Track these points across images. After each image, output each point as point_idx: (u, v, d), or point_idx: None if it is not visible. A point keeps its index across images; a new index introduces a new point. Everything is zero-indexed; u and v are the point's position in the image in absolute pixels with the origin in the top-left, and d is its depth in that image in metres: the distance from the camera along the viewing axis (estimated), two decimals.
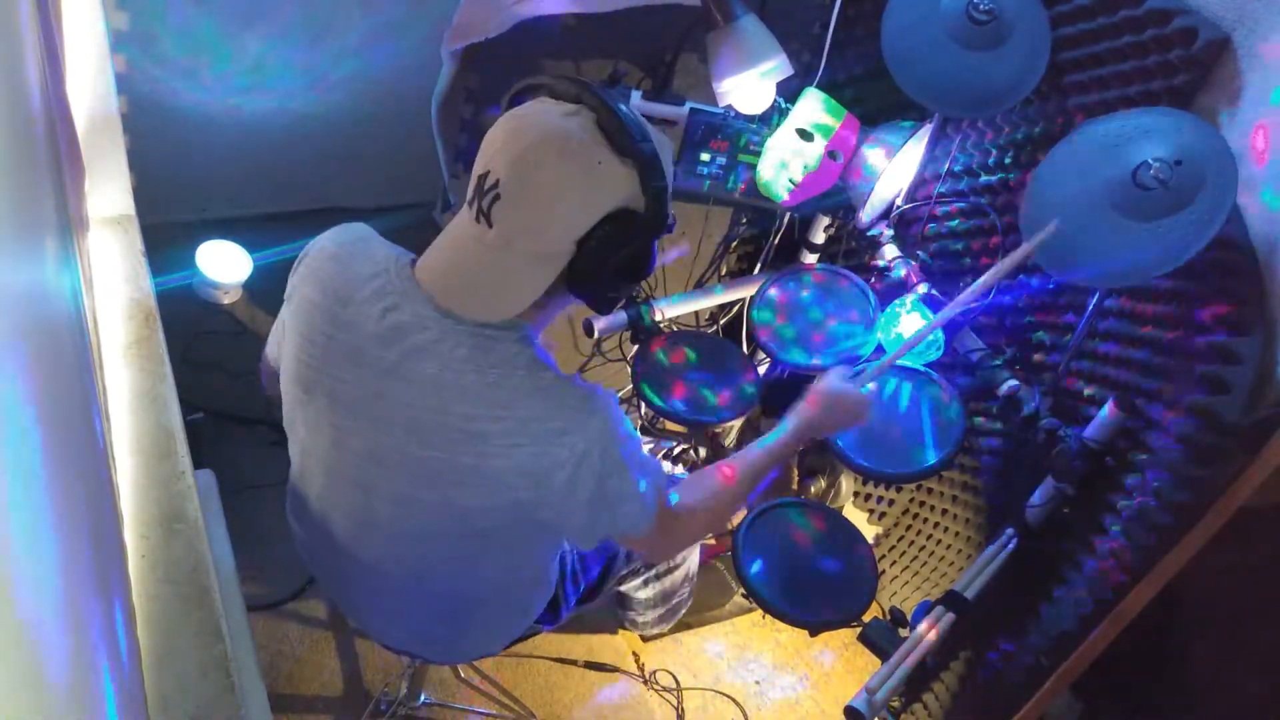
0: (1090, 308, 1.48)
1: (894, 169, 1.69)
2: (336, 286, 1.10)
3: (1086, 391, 1.53)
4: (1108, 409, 1.39)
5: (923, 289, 1.68)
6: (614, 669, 2.01)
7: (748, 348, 2.07)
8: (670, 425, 2.22)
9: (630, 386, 2.08)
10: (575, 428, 1.05)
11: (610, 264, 1.05)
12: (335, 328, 1.09)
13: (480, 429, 1.04)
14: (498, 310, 1.06)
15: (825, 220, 2.03)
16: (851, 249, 2.07)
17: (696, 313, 2.25)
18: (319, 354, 1.11)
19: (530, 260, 1.04)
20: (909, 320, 1.66)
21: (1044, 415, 1.49)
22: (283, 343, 1.18)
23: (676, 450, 2.34)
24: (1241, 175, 1.20)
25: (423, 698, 1.80)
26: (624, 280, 1.08)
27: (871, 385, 1.44)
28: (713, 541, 2.32)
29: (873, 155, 1.69)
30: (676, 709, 1.99)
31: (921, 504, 2.05)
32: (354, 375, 1.09)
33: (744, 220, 2.26)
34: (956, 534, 1.93)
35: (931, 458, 1.53)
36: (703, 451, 2.38)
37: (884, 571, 2.13)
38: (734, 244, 2.30)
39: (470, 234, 1.05)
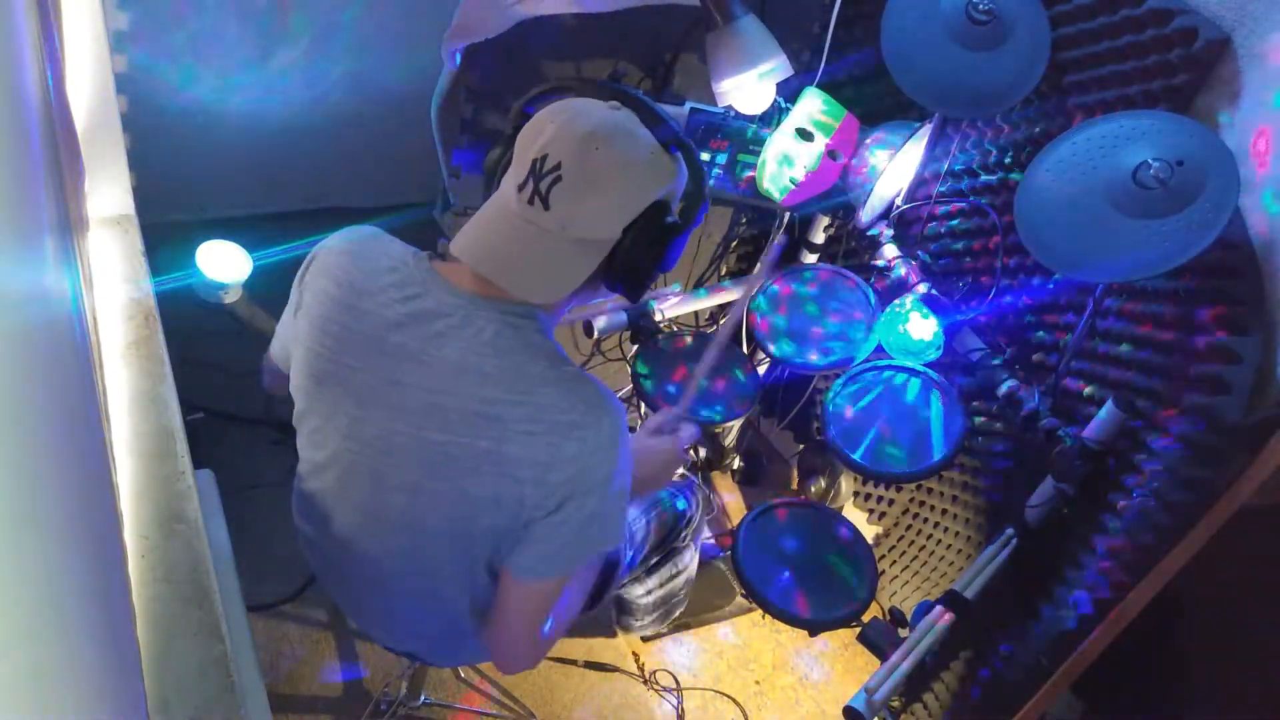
0: (1090, 308, 1.48)
1: (894, 169, 1.69)
2: (353, 279, 1.11)
3: (1086, 391, 1.53)
4: (1108, 409, 1.39)
5: (923, 289, 1.68)
6: (614, 669, 2.01)
7: (748, 348, 2.07)
8: None
9: (630, 386, 2.08)
10: (588, 424, 1.06)
11: (650, 251, 1.07)
12: (351, 317, 1.10)
13: (498, 413, 1.05)
14: (541, 293, 1.06)
15: (825, 220, 2.03)
16: (851, 249, 2.07)
17: (696, 313, 2.25)
18: (334, 344, 1.11)
19: (579, 245, 1.05)
20: (909, 321, 1.66)
21: (1044, 415, 1.49)
22: (294, 340, 1.18)
23: None
24: (1241, 176, 1.20)
25: (423, 698, 1.80)
26: (657, 269, 1.10)
27: (680, 429, 1.41)
28: (713, 540, 2.33)
29: (872, 155, 1.69)
30: (676, 709, 1.99)
31: (921, 504, 2.05)
32: (371, 364, 1.09)
33: (744, 220, 2.26)
34: (956, 534, 1.93)
35: (931, 458, 1.53)
36: (703, 452, 2.38)
37: (884, 571, 2.13)
38: (734, 244, 2.30)
39: (521, 215, 1.04)
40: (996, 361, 1.60)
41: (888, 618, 1.59)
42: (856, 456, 1.56)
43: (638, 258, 1.07)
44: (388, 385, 1.09)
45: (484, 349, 1.06)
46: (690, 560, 1.74)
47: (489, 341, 1.06)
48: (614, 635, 2.06)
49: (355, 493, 1.18)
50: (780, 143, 1.72)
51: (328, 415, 1.15)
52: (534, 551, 1.12)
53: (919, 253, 1.78)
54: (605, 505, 1.11)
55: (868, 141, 1.70)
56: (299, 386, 1.17)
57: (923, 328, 1.63)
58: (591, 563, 1.20)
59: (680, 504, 1.64)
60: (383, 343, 1.09)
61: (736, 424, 2.34)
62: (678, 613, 1.90)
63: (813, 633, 1.56)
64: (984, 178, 1.74)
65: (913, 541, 2.08)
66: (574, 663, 1.99)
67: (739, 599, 2.20)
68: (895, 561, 2.12)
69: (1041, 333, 1.64)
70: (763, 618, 2.20)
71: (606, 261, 1.07)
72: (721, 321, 1.50)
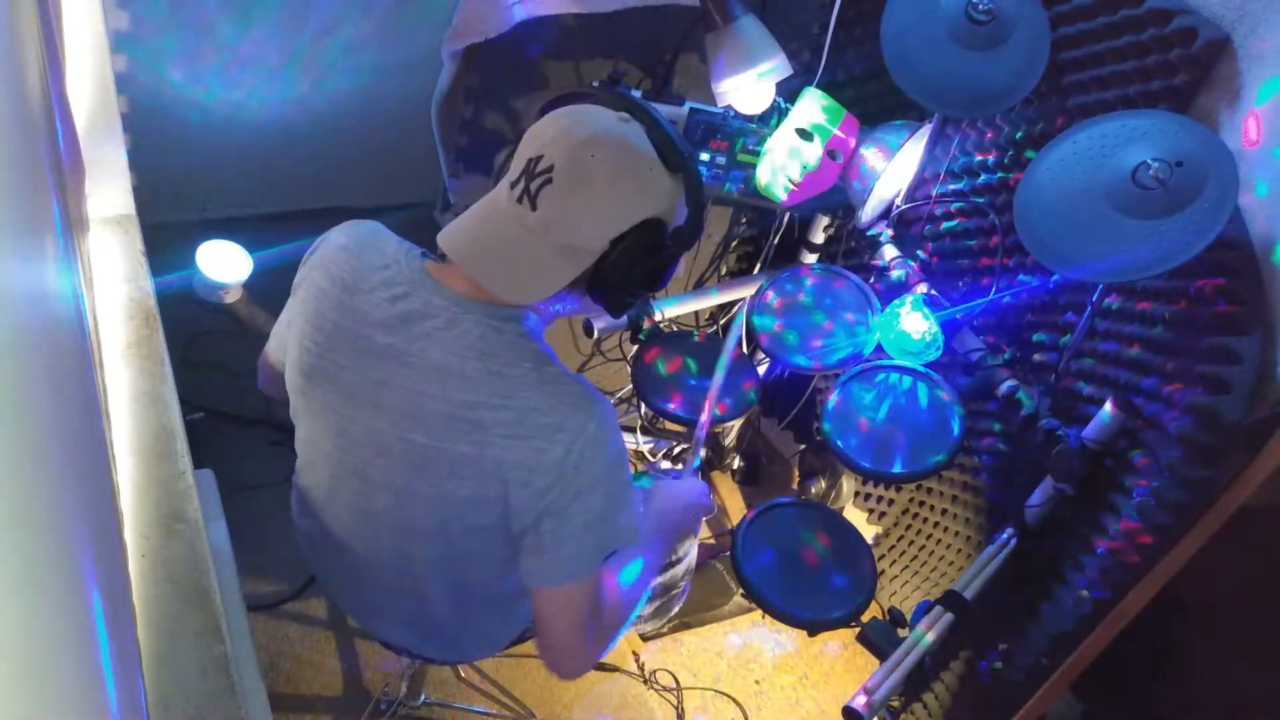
0: (1090, 307, 1.48)
1: (894, 169, 1.69)
2: (344, 275, 1.11)
3: (1086, 391, 1.53)
4: (1107, 409, 1.39)
5: (923, 289, 1.68)
6: (614, 669, 2.01)
7: (747, 347, 2.07)
8: (669, 425, 2.22)
9: (630, 386, 2.08)
10: (571, 426, 1.05)
11: (636, 269, 1.06)
12: (341, 315, 1.10)
13: (480, 417, 1.05)
14: (518, 293, 1.06)
15: (825, 220, 2.03)
16: (851, 249, 2.07)
17: (696, 313, 2.25)
18: (324, 341, 1.11)
19: (561, 250, 1.05)
20: (909, 321, 1.66)
21: (1044, 415, 1.49)
22: (289, 336, 1.19)
23: (676, 450, 2.34)
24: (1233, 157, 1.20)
25: (423, 698, 1.80)
26: (643, 287, 1.10)
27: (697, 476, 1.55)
28: (712, 540, 2.33)
29: (872, 155, 1.69)
30: (676, 709, 1.99)
31: (921, 504, 2.05)
32: (358, 363, 1.09)
33: (744, 220, 2.26)
34: (956, 534, 1.93)
35: (931, 458, 1.53)
36: (703, 452, 2.38)
37: (884, 571, 2.13)
38: (734, 244, 2.30)
39: (509, 213, 1.05)
40: (996, 361, 1.60)
41: (887, 618, 1.59)
42: (856, 456, 1.56)
43: (622, 273, 1.06)
44: (374, 385, 1.09)
45: (466, 351, 1.05)
46: (689, 547, 1.73)
47: (472, 344, 1.05)
48: None
49: (345, 490, 1.18)
50: (780, 142, 1.72)
51: (319, 412, 1.16)
52: (545, 559, 1.11)
53: (919, 253, 1.77)
54: (606, 504, 1.10)
55: (867, 141, 1.70)
56: (292, 380, 1.18)
57: (922, 328, 1.63)
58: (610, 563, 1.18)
59: None
60: (370, 342, 1.09)
61: (736, 424, 2.34)
62: (676, 607, 1.90)
63: (812, 633, 1.56)
64: (984, 178, 1.74)
65: (913, 541, 2.08)
66: None
67: (737, 598, 2.20)
68: (895, 561, 2.12)
69: (1041, 333, 1.64)
70: (762, 618, 2.20)
71: (592, 273, 1.07)
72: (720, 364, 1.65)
